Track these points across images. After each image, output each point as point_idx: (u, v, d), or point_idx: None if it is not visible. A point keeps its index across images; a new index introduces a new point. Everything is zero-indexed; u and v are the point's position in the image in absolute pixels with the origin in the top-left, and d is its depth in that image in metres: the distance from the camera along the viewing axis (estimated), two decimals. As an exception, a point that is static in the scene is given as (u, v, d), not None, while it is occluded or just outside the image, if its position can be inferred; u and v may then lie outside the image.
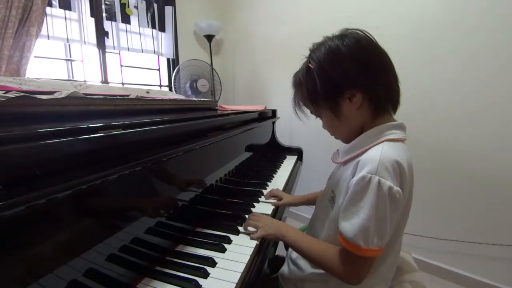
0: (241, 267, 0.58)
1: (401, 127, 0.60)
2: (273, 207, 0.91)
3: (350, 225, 0.51)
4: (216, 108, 1.43)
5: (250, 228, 0.72)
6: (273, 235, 0.68)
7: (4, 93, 0.48)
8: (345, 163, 0.63)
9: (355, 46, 0.57)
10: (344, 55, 0.57)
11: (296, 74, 0.66)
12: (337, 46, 0.58)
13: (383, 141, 0.56)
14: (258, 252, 0.65)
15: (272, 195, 0.99)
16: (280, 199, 0.97)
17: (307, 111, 0.67)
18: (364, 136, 0.59)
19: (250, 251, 0.64)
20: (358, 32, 0.59)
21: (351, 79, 0.57)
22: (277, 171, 1.29)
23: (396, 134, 0.57)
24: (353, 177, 0.54)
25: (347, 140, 0.65)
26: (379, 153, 0.52)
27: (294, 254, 0.73)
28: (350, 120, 0.60)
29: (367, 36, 0.59)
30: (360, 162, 0.54)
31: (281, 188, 1.07)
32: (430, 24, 1.37)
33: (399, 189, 0.50)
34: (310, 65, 0.60)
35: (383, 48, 0.59)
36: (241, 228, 0.73)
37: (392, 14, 1.49)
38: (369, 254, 0.51)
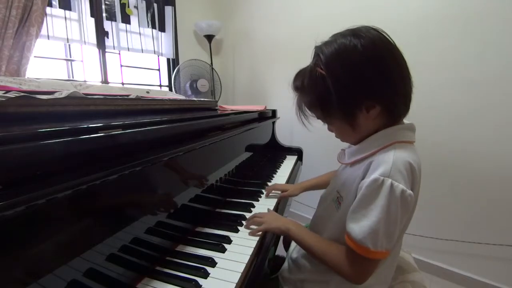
0: (241, 267, 0.58)
1: (412, 129, 0.58)
2: (274, 204, 0.90)
3: (359, 227, 0.51)
4: (216, 108, 1.43)
5: (253, 226, 0.72)
6: (277, 228, 0.67)
7: (4, 93, 0.48)
8: (352, 164, 0.61)
9: (372, 51, 0.51)
10: (360, 62, 0.51)
11: (298, 77, 0.61)
12: (352, 50, 0.51)
13: (393, 143, 0.54)
14: (258, 252, 0.65)
15: (275, 189, 0.97)
16: (283, 191, 0.95)
17: (312, 114, 0.63)
18: (374, 138, 0.57)
19: (250, 251, 0.64)
20: (371, 30, 0.53)
21: (370, 90, 0.52)
22: (277, 171, 1.29)
23: (406, 136, 0.56)
24: (363, 178, 0.53)
25: (355, 144, 0.63)
26: (392, 156, 0.51)
27: (294, 254, 0.73)
28: (363, 129, 0.57)
29: (382, 35, 0.53)
30: (373, 163, 0.52)
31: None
32: (432, 20, 1.37)
33: (411, 192, 0.49)
34: (321, 71, 0.53)
35: (398, 48, 0.54)
36: (241, 228, 0.73)
37: (394, 10, 1.48)
38: (376, 256, 0.50)
